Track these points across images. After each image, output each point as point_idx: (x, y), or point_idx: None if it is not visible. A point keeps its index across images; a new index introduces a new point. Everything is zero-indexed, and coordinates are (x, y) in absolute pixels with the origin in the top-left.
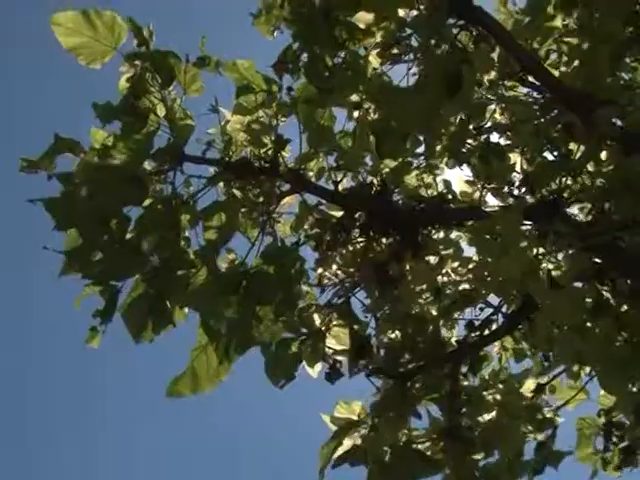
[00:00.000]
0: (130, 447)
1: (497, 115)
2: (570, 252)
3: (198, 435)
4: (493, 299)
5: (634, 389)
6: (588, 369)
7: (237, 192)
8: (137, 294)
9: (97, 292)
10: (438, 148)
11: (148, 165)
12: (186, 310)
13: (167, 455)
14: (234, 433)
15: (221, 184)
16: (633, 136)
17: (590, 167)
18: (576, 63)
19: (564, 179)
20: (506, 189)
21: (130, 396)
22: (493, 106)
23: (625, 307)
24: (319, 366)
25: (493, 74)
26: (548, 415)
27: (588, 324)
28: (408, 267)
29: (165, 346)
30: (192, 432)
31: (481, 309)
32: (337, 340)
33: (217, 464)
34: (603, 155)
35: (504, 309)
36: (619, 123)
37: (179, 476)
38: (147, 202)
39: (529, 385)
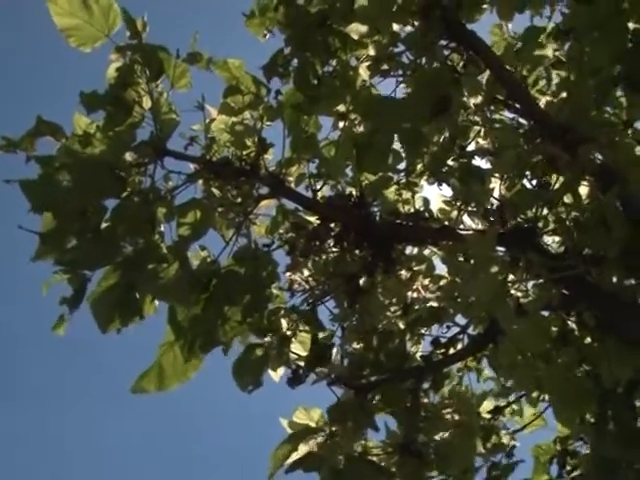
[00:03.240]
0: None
1: (480, 139)
2: (539, 281)
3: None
4: (460, 318)
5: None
6: (547, 397)
7: (216, 191)
8: (107, 284)
9: (66, 279)
10: (419, 166)
11: (129, 156)
12: (157, 304)
13: (131, 451)
14: (199, 430)
15: (200, 182)
16: (611, 173)
17: (567, 199)
18: (563, 94)
19: (540, 209)
20: (483, 213)
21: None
22: (477, 129)
23: (588, 339)
24: (282, 370)
25: (480, 98)
26: (504, 438)
27: (551, 353)
28: (379, 280)
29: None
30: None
31: (448, 327)
32: (302, 346)
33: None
34: (581, 189)
35: (470, 329)
36: (599, 158)
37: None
38: (124, 193)
39: (488, 406)
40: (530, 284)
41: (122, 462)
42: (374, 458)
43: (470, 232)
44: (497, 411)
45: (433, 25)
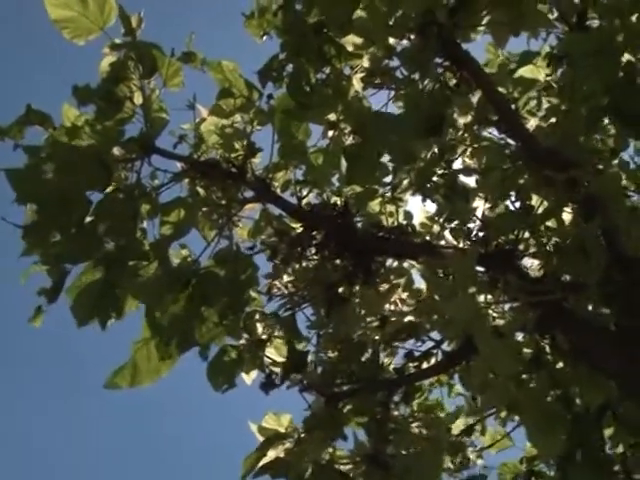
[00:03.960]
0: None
1: (467, 158)
2: (516, 304)
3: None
4: (435, 334)
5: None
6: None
7: (201, 191)
8: (88, 279)
9: (45, 271)
10: (405, 181)
11: (117, 151)
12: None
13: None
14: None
15: (186, 181)
16: (594, 201)
17: (549, 224)
18: (552, 120)
19: (522, 232)
20: (465, 231)
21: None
22: (464, 147)
23: (561, 364)
24: (255, 374)
25: (470, 117)
26: (471, 455)
27: (524, 376)
28: (357, 291)
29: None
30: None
31: (422, 341)
32: (277, 351)
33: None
34: (564, 215)
35: (445, 345)
36: (584, 185)
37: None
38: (110, 188)
39: (457, 423)
40: (507, 306)
41: (93, 458)
42: (341, 467)
43: (451, 250)
44: (468, 430)
45: (429, 42)
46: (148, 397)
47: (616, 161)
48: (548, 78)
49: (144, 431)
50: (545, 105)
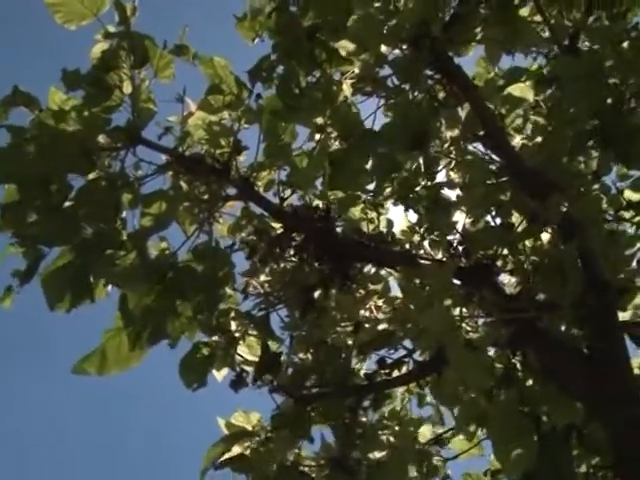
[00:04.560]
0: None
1: (452, 171)
2: (490, 319)
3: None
4: (408, 342)
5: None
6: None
7: (184, 185)
8: (62, 263)
9: (20, 253)
10: (388, 189)
11: (102, 139)
12: (109, 289)
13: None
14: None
15: (169, 174)
16: (574, 224)
17: (528, 243)
18: (538, 139)
19: (501, 248)
20: (444, 244)
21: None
22: (449, 160)
23: (530, 382)
24: (225, 371)
25: (457, 131)
26: (437, 464)
27: (493, 391)
28: (334, 295)
29: None
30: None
31: (395, 349)
32: (250, 350)
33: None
34: (543, 235)
35: (417, 355)
36: (564, 207)
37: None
38: (92, 175)
39: (425, 432)
40: (481, 321)
41: (60, 443)
42: (305, 469)
43: (429, 261)
44: (435, 439)
45: (422, 54)
46: (120, 386)
47: (597, 185)
48: (537, 98)
49: (113, 420)
50: (531, 124)
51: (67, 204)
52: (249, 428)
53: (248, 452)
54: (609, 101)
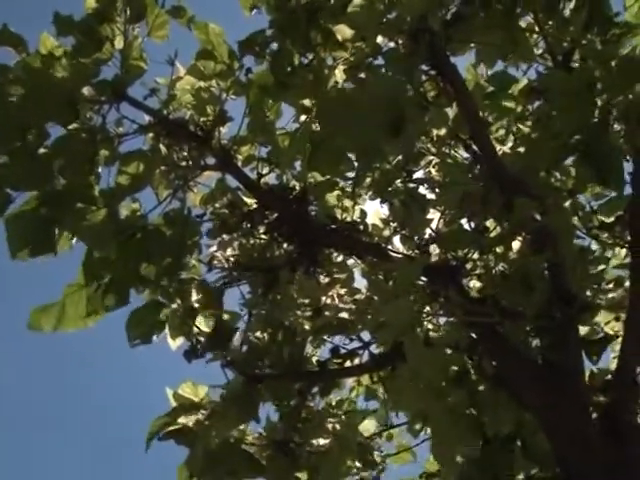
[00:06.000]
0: None
1: (433, 169)
2: (452, 320)
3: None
4: (365, 334)
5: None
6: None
7: (163, 149)
8: (28, 210)
9: None
10: (368, 180)
11: (87, 91)
12: (73, 242)
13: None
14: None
15: (150, 135)
16: (547, 235)
17: (499, 249)
18: (520, 149)
19: (472, 252)
20: (416, 240)
21: None
22: (430, 158)
23: (482, 386)
24: (180, 340)
25: (444, 131)
26: (377, 459)
27: (444, 390)
28: (297, 278)
29: None
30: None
31: (351, 339)
32: (206, 322)
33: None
34: (514, 243)
35: (373, 347)
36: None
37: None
38: (73, 125)
39: (369, 425)
40: (443, 320)
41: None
42: (247, 447)
43: (399, 255)
44: (379, 434)
45: (419, 48)
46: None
47: (570, 201)
48: (524, 107)
49: (61, 377)
50: (517, 133)
51: (42, 151)
52: (196, 400)
53: (192, 424)
54: (595, 119)
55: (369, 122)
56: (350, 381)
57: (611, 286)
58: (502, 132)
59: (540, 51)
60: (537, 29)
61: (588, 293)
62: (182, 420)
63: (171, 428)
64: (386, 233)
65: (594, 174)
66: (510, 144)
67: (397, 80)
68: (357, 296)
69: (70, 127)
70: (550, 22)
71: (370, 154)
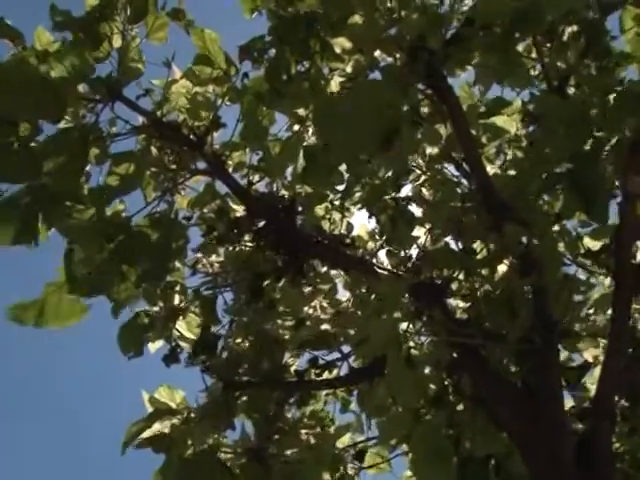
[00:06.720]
0: None
1: (423, 188)
2: (435, 339)
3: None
4: (344, 347)
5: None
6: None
7: (154, 150)
8: (13, 201)
9: None
10: (358, 194)
11: (82, 88)
12: (49, 232)
13: None
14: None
15: (142, 136)
16: (532, 261)
17: (484, 271)
18: (511, 172)
19: (458, 272)
20: (401, 256)
21: None
22: (419, 173)
23: (461, 406)
24: (160, 343)
25: (436, 149)
26: (350, 472)
27: (422, 410)
28: (281, 287)
29: None
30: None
31: (330, 351)
32: (188, 326)
33: None
34: (500, 266)
35: (352, 360)
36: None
37: None
38: (66, 124)
39: (344, 438)
40: (425, 339)
41: None
42: (222, 455)
43: (384, 271)
44: (353, 447)
45: (418, 66)
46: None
47: (557, 227)
48: (518, 132)
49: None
50: (509, 156)
51: (33, 145)
52: (172, 405)
53: (168, 430)
54: (587, 148)
55: (362, 130)
56: (325, 393)
57: (592, 311)
58: (493, 151)
59: (536, 72)
60: (535, 53)
61: (568, 319)
62: (158, 426)
63: (147, 434)
64: (371, 245)
65: (580, 203)
66: (499, 163)
67: (392, 92)
68: (340, 306)
69: (62, 125)
70: (548, 45)
71: (361, 164)
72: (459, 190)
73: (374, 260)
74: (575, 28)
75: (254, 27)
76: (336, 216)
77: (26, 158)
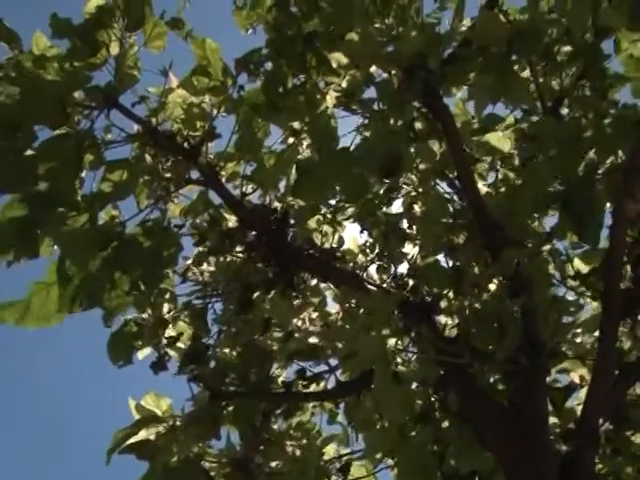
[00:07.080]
0: None
1: (415, 205)
2: (422, 356)
3: None
4: (331, 359)
5: None
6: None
7: (148, 158)
8: (11, 214)
9: None
10: (350, 210)
11: (78, 95)
12: (55, 248)
13: None
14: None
15: (137, 144)
16: (522, 281)
17: (474, 290)
18: (502, 189)
19: (447, 289)
20: (391, 272)
21: None
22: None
23: (446, 423)
24: (148, 350)
25: (429, 166)
26: None
27: (408, 426)
28: (271, 299)
29: None
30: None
31: (318, 363)
32: (177, 335)
33: None
34: (490, 285)
35: (339, 373)
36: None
37: None
38: (61, 130)
39: (329, 449)
40: (413, 355)
41: None
42: (206, 464)
43: (375, 287)
44: (338, 459)
45: (415, 85)
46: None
47: (548, 247)
48: (512, 151)
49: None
50: (500, 174)
51: (28, 152)
52: (158, 413)
53: (153, 438)
54: (580, 170)
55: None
56: (312, 404)
57: (580, 330)
58: (485, 167)
59: (530, 92)
60: (528, 72)
61: (556, 340)
62: (143, 433)
63: (132, 441)
64: (361, 259)
65: (573, 225)
66: (491, 179)
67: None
68: (329, 318)
69: (58, 130)
70: (543, 64)
71: (358, 189)
72: (450, 207)
73: (364, 274)
74: (570, 48)
75: (254, 36)
76: (328, 229)
77: (21, 166)
